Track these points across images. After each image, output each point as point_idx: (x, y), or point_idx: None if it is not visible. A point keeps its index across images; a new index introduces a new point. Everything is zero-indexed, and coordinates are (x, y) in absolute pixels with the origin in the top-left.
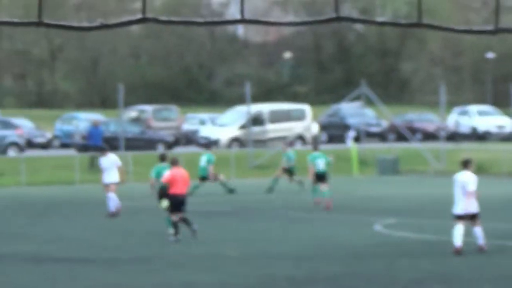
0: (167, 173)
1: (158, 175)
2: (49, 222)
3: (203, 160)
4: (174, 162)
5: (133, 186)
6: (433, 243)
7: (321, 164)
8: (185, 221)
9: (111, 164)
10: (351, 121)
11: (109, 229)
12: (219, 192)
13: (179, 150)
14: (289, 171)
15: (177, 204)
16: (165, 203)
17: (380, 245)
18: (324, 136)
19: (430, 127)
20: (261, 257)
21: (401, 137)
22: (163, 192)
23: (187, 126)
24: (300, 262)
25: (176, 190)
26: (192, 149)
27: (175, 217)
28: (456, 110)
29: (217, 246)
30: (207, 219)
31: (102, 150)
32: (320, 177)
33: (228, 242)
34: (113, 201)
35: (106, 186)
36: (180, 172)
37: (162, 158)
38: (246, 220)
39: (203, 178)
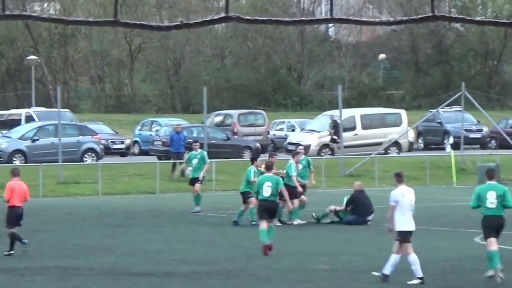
0: (7, 186)
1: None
2: (127, 233)
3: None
4: (15, 173)
5: (217, 196)
6: None
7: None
8: (15, 237)
9: None
10: (450, 126)
11: (191, 241)
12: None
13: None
14: None
15: (15, 217)
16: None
17: (481, 259)
18: (420, 143)
19: None
20: (351, 270)
21: (503, 144)
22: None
23: (274, 132)
24: (392, 276)
25: (14, 202)
26: (280, 156)
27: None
28: None
29: (307, 258)
30: (300, 230)
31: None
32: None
33: (318, 254)
34: None
35: None
36: (18, 183)
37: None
38: (338, 231)
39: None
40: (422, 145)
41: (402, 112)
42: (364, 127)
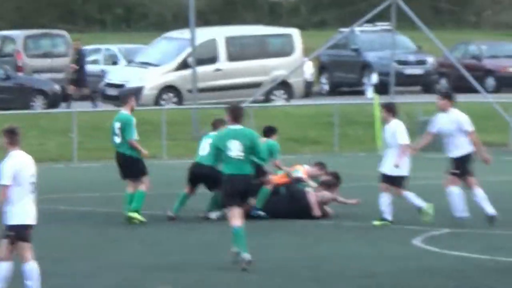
0: None
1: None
2: None
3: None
4: None
5: None
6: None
7: None
8: None
9: None
10: (372, 56)
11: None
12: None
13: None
14: None
15: None
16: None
17: (423, 271)
18: (324, 83)
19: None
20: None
21: (460, 85)
22: None
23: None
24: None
25: None
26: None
27: None
28: None
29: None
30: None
31: None
32: None
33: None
34: None
35: None
36: None
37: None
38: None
39: None
40: (327, 88)
41: (294, 32)
42: (232, 57)
